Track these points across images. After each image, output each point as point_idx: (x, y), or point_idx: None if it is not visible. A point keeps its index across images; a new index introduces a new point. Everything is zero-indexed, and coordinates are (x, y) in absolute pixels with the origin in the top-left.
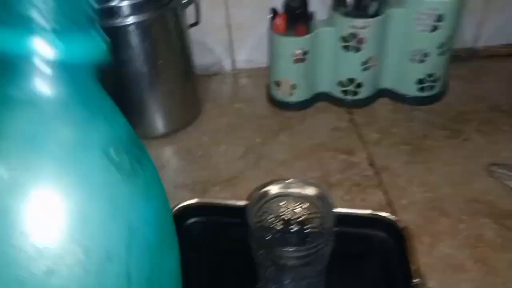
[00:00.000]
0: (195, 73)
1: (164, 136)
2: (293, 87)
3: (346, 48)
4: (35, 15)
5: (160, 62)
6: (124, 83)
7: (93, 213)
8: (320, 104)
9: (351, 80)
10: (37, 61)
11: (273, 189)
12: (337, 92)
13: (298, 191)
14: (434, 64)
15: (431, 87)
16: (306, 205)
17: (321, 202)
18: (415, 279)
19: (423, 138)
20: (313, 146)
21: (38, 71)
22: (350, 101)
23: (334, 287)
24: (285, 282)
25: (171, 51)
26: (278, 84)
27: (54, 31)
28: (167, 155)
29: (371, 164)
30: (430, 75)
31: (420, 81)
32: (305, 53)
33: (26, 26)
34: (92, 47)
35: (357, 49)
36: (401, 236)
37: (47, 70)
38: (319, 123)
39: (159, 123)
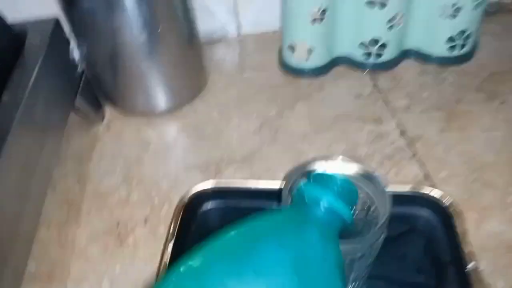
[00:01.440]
0: (199, 41)
1: (168, 112)
2: (310, 51)
3: (370, 4)
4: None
5: (161, 28)
6: (120, 54)
7: None
8: (339, 69)
9: (374, 41)
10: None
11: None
12: (358, 55)
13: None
14: (467, 20)
15: (462, 46)
16: None
17: (369, 183)
18: (469, 263)
19: (457, 102)
20: (335, 116)
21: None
22: (372, 64)
23: (375, 275)
24: None
25: (173, 14)
26: (292, 48)
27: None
28: (173, 134)
29: (403, 133)
30: (462, 32)
31: (451, 39)
32: (323, 11)
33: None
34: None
35: (383, 5)
36: (446, 214)
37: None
38: (340, 90)
39: (161, 98)
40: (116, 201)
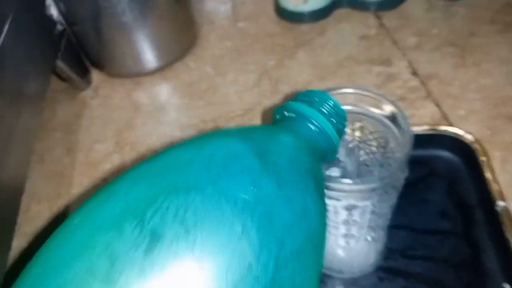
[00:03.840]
0: None
1: (158, 70)
2: None
3: None
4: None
5: None
6: (102, 9)
7: None
8: (341, 12)
9: None
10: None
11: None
12: None
13: (351, 104)
14: None
15: None
16: (361, 124)
17: (386, 117)
18: (497, 202)
19: (470, 36)
20: (340, 61)
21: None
22: (377, 3)
23: (395, 225)
24: (346, 226)
25: None
26: None
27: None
28: (165, 93)
29: (414, 73)
30: None
31: None
32: None
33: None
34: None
35: None
36: (469, 153)
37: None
38: (343, 33)
39: (150, 56)
40: (109, 169)
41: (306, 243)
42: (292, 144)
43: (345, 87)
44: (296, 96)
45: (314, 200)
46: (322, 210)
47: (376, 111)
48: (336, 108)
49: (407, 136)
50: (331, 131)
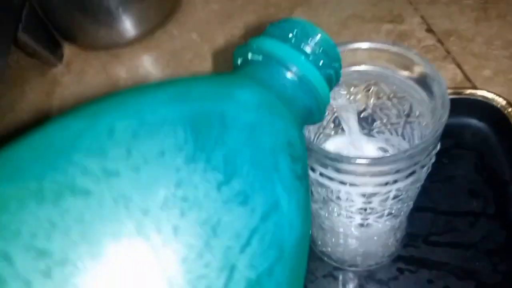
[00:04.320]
0: None
1: (138, 40)
2: None
3: None
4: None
5: None
6: None
7: None
8: None
9: None
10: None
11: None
12: None
13: (364, 63)
14: None
15: None
16: (377, 87)
17: (409, 78)
18: None
19: None
20: (344, 20)
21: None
22: None
23: (418, 205)
24: (362, 215)
25: None
26: None
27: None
28: (146, 65)
29: (430, 30)
30: None
31: None
32: None
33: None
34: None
35: None
36: (501, 120)
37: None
38: None
39: (127, 23)
40: None
41: (276, 262)
42: (256, 103)
43: (356, 42)
44: (267, 29)
45: (289, 190)
46: (303, 201)
47: (396, 70)
48: (324, 44)
49: (442, 98)
50: (317, 78)
